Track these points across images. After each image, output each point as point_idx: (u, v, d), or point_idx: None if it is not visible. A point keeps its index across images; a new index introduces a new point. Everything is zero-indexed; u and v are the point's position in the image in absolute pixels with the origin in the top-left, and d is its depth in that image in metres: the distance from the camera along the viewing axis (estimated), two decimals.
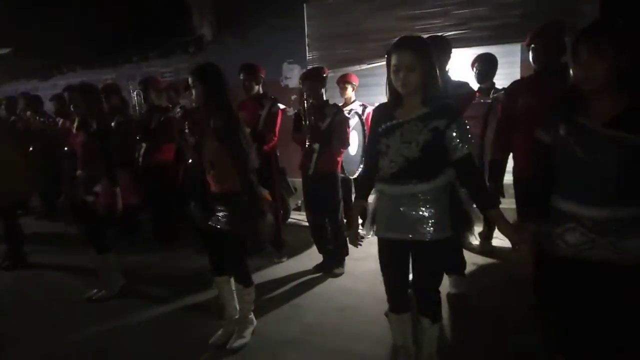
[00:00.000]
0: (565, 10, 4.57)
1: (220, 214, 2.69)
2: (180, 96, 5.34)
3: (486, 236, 4.54)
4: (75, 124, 3.62)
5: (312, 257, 4.38)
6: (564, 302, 1.88)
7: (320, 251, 4.20)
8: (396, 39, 2.06)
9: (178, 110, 5.11)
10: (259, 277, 3.92)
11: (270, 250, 4.47)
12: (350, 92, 4.58)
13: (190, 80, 2.68)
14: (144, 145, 4.84)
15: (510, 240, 1.96)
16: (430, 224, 2.09)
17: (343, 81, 4.59)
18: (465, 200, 2.13)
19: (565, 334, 1.88)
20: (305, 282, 3.94)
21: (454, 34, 4.82)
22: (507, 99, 3.02)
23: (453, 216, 2.11)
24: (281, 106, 4.25)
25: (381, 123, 2.16)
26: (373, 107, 4.38)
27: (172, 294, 3.79)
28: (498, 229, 2.01)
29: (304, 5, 5.85)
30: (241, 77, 4.17)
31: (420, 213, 2.09)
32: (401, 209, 2.12)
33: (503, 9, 4.75)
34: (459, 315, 3.22)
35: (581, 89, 1.72)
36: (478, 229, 4.62)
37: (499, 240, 4.46)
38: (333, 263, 4.09)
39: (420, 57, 2.00)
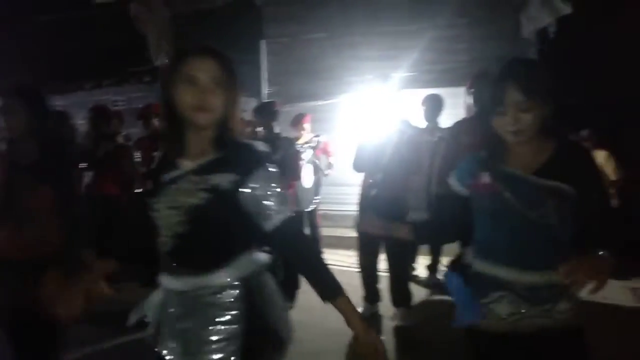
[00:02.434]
0: (509, 56, 4.90)
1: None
2: (122, 125, 5.27)
3: (433, 269, 4.64)
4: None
5: None
6: None
7: None
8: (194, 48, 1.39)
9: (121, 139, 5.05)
10: None
11: None
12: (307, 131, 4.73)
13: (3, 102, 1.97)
14: (89, 175, 4.71)
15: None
16: (219, 349, 1.31)
17: (300, 124, 4.71)
18: (268, 309, 1.40)
19: None
20: None
21: (405, 75, 5.07)
22: (450, 137, 3.18)
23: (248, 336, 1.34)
24: None
25: (159, 174, 1.42)
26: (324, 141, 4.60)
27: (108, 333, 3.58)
28: (347, 324, 1.35)
29: (261, 41, 6.00)
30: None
31: (194, 326, 1.34)
32: (169, 310, 1.39)
33: (450, 55, 5.05)
34: (407, 348, 3.24)
35: (500, 135, 1.50)
36: (425, 261, 4.73)
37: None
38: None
39: (224, 73, 1.37)
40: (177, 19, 6.33)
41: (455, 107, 5.19)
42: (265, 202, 1.33)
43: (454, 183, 1.66)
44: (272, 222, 1.34)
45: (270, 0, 5.95)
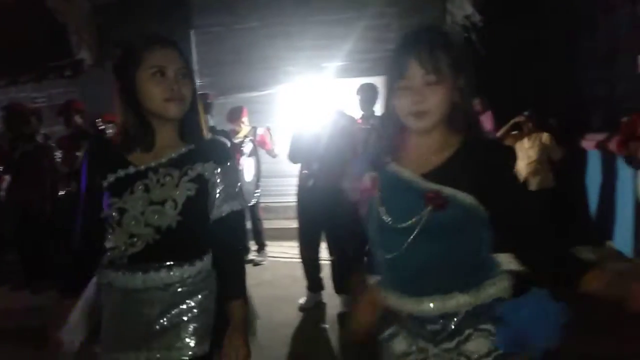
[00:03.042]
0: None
1: None
2: (41, 124, 4.93)
3: None
4: None
5: None
6: None
7: None
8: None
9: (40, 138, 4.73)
10: None
11: None
12: (245, 125, 4.67)
13: None
14: (6, 178, 4.38)
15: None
16: (190, 333, 1.33)
17: (238, 118, 4.63)
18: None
19: None
20: None
21: (336, 65, 5.12)
22: (380, 126, 3.24)
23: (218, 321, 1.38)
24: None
25: (105, 172, 1.34)
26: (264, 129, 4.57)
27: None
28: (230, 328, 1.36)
29: (190, 31, 5.81)
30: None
31: (176, 317, 1.33)
32: (144, 311, 1.33)
33: (382, 43, 5.16)
34: (348, 335, 3.30)
35: (400, 127, 1.19)
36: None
37: None
38: None
39: (187, 63, 1.36)
40: (98, 8, 5.98)
41: None
42: (222, 192, 1.35)
43: (346, 187, 1.31)
44: (219, 212, 1.35)
45: None
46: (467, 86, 1.17)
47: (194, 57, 5.81)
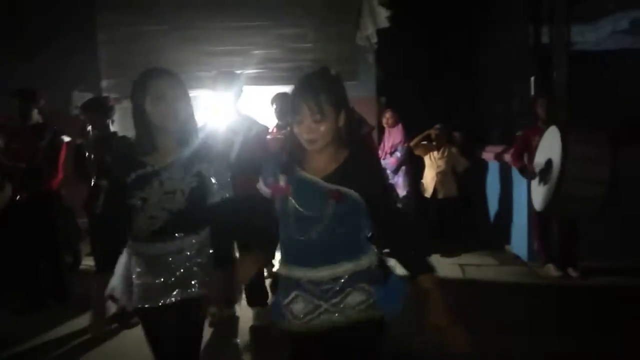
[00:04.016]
0: (349, 58, 5.21)
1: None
2: None
3: None
4: None
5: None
6: None
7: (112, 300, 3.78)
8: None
9: None
10: (38, 338, 3.42)
11: (52, 304, 3.86)
12: None
13: None
14: None
15: None
16: (198, 279, 1.86)
17: None
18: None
19: None
20: (94, 338, 3.46)
21: (253, 72, 5.05)
22: (291, 135, 3.22)
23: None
24: (66, 138, 3.80)
25: (128, 171, 1.81)
26: None
27: None
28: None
29: (96, 29, 5.43)
30: (15, 102, 3.63)
31: (188, 271, 1.85)
32: (165, 270, 1.83)
33: (296, 53, 5.17)
34: (264, 348, 3.22)
35: (301, 142, 1.58)
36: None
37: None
38: (128, 312, 3.70)
39: (181, 87, 1.83)
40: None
41: None
42: (216, 184, 1.86)
43: (260, 185, 1.68)
44: (215, 198, 1.87)
45: None
46: (347, 116, 1.58)
47: (100, 56, 5.44)
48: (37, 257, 3.79)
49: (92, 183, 3.55)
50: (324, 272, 1.56)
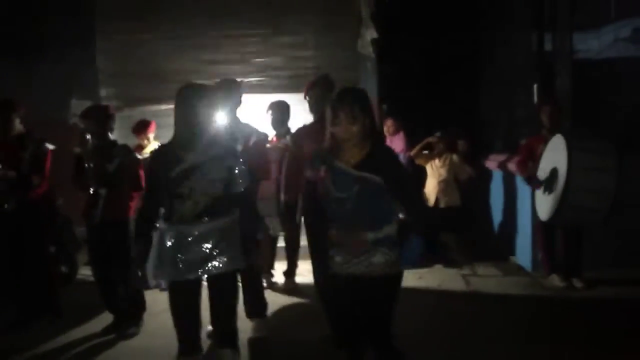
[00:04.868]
0: (350, 65, 5.19)
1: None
2: None
3: (289, 274, 4.65)
4: None
5: (102, 318, 3.84)
6: (336, 304, 2.43)
7: (110, 310, 3.72)
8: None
9: None
10: (33, 352, 3.36)
11: (46, 317, 3.80)
12: (152, 140, 4.39)
13: None
14: None
15: None
16: (230, 255, 2.36)
17: (144, 132, 4.42)
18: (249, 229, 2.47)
19: (339, 332, 2.42)
20: (90, 349, 3.43)
21: (252, 81, 5.02)
22: (293, 144, 3.21)
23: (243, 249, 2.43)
24: (50, 146, 3.76)
25: (169, 168, 2.32)
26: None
27: None
28: None
29: (95, 37, 5.41)
30: None
31: (222, 246, 2.34)
32: (203, 245, 2.32)
33: (296, 61, 5.15)
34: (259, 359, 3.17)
35: (337, 139, 2.18)
36: (282, 267, 4.74)
37: (303, 276, 4.63)
38: (126, 322, 3.64)
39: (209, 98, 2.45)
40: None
41: (306, 112, 5.32)
42: (238, 176, 2.40)
43: (309, 174, 2.28)
44: (239, 188, 2.42)
45: None
46: (370, 120, 2.19)
47: (99, 65, 5.42)
48: (25, 268, 3.73)
49: (91, 192, 3.50)
50: (357, 236, 2.14)
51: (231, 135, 3.26)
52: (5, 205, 3.51)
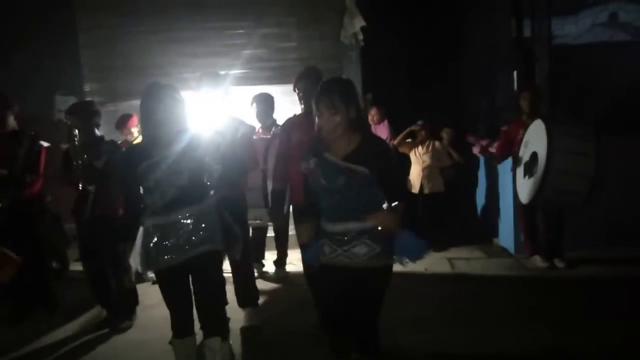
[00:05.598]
0: (334, 55, 5.23)
1: None
2: None
3: (280, 263, 4.71)
4: None
5: (94, 313, 3.88)
6: (323, 296, 2.43)
7: (102, 305, 3.75)
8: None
9: None
10: (28, 347, 3.39)
11: (41, 313, 3.82)
12: (135, 134, 4.37)
13: None
14: None
15: None
16: (206, 238, 2.39)
17: (125, 126, 4.41)
18: (228, 218, 2.50)
19: (327, 321, 2.38)
20: (84, 344, 3.45)
21: (237, 73, 5.02)
22: (282, 135, 3.24)
23: (223, 232, 2.45)
24: (44, 143, 3.75)
25: (138, 162, 2.36)
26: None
27: None
28: None
29: (78, 32, 5.34)
30: None
31: (197, 232, 2.38)
32: (178, 233, 2.37)
33: (281, 52, 5.16)
34: (251, 349, 3.23)
35: (322, 130, 2.17)
36: (272, 256, 4.80)
37: (293, 265, 4.69)
38: (119, 317, 3.68)
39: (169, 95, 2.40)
40: None
41: (293, 103, 5.34)
42: (208, 165, 2.44)
43: (302, 166, 2.24)
44: (211, 175, 2.47)
45: None
46: (356, 110, 2.17)
47: (82, 60, 5.36)
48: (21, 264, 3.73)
49: (80, 188, 3.50)
50: (338, 227, 2.16)
51: (217, 128, 3.29)
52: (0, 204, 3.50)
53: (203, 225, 2.38)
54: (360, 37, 5.15)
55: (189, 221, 2.37)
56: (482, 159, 5.71)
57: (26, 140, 3.62)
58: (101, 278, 3.66)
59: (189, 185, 2.35)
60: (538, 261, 4.52)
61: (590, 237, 4.63)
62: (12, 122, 3.63)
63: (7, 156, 3.52)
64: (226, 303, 2.91)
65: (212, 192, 2.47)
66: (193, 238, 2.37)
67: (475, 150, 5.63)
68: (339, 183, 2.09)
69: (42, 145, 3.69)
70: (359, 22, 5.05)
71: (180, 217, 2.36)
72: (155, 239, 2.38)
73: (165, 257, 2.37)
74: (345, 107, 2.09)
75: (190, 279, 2.45)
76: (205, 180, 2.45)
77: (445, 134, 5.69)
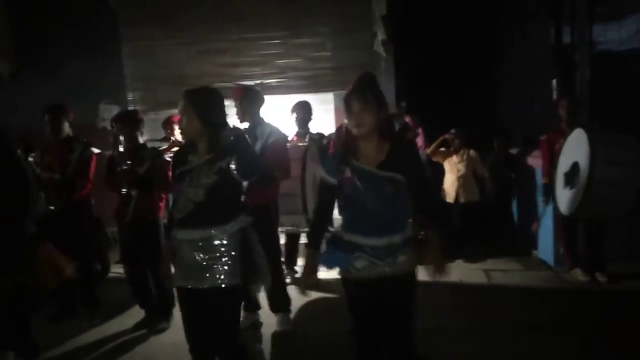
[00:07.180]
0: (366, 64, 5.26)
1: None
2: None
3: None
4: None
5: (133, 314, 3.99)
6: (356, 314, 2.25)
7: (141, 306, 3.86)
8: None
9: None
10: (69, 345, 3.51)
11: (83, 312, 3.96)
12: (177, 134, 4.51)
13: None
14: None
15: None
16: (222, 270, 2.17)
17: (170, 123, 4.51)
18: (256, 249, 2.27)
19: (360, 341, 2.26)
20: (123, 344, 3.55)
21: (272, 82, 5.13)
22: (336, 139, 3.29)
23: (244, 264, 2.23)
24: (95, 150, 3.93)
25: (177, 167, 2.31)
26: None
27: None
28: None
29: (121, 44, 5.59)
30: (46, 117, 3.77)
31: (212, 260, 2.16)
32: (194, 256, 2.18)
33: (315, 61, 5.24)
34: (283, 354, 3.26)
35: (353, 136, 2.12)
36: (302, 262, 4.79)
37: (325, 272, 4.68)
38: (156, 318, 3.78)
39: (190, 104, 2.23)
40: (17, 20, 5.63)
41: (326, 112, 5.43)
42: (245, 166, 2.19)
43: (324, 175, 2.18)
44: (249, 178, 2.29)
45: (125, 2, 5.57)
46: (386, 114, 2.14)
47: (125, 70, 5.60)
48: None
49: (123, 192, 3.63)
50: (383, 241, 2.10)
51: (251, 134, 3.35)
52: (52, 207, 3.68)
53: (220, 254, 2.16)
54: (382, 48, 5.16)
55: (203, 244, 2.16)
56: (520, 169, 5.58)
57: (78, 146, 3.80)
58: (140, 280, 3.77)
59: (206, 203, 2.15)
60: (579, 274, 4.37)
61: (633, 250, 4.44)
62: (66, 128, 3.82)
63: (61, 161, 3.70)
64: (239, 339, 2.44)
65: (241, 215, 2.24)
66: (212, 266, 2.15)
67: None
68: (384, 193, 2.05)
69: (92, 152, 3.87)
70: (381, 35, 5.09)
71: (194, 237, 2.17)
72: (178, 253, 2.25)
73: (180, 276, 2.23)
74: (376, 105, 2.07)
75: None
76: (231, 200, 2.23)
77: (496, 144, 5.60)
